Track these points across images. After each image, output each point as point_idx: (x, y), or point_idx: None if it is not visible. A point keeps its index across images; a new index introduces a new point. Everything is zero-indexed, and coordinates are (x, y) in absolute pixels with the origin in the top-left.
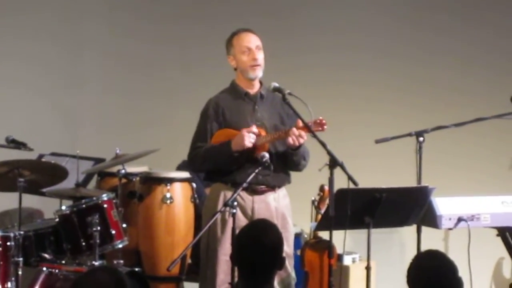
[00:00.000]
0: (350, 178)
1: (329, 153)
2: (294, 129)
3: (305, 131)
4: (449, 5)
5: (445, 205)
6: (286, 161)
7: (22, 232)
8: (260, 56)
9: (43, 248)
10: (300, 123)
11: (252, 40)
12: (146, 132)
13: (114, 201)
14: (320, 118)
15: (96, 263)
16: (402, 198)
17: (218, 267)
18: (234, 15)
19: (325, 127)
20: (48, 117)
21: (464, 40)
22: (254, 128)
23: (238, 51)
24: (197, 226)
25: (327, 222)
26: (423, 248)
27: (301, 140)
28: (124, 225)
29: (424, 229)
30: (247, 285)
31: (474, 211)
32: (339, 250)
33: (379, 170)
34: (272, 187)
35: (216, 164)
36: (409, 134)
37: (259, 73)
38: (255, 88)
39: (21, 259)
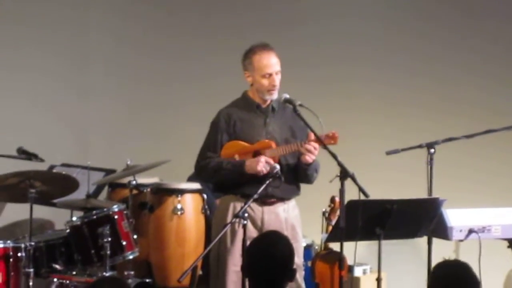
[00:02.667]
0: (361, 189)
1: (340, 164)
2: (307, 145)
3: (317, 143)
4: (459, 18)
5: (456, 217)
6: (298, 174)
7: (33, 243)
8: (278, 80)
9: (54, 259)
10: (312, 136)
11: (273, 65)
12: (157, 143)
13: (125, 212)
14: (333, 131)
15: (107, 274)
16: (413, 209)
17: (228, 278)
18: (243, 27)
19: (337, 140)
20: (59, 128)
21: (474, 52)
22: (272, 162)
23: (257, 74)
24: (208, 237)
25: (338, 233)
26: (434, 259)
27: (315, 153)
28: (135, 236)
29: (435, 240)
30: None
31: (485, 223)
32: (350, 261)
33: (390, 181)
34: (282, 199)
35: (227, 179)
36: (420, 146)
37: (275, 95)
38: (267, 101)
39: (32, 270)
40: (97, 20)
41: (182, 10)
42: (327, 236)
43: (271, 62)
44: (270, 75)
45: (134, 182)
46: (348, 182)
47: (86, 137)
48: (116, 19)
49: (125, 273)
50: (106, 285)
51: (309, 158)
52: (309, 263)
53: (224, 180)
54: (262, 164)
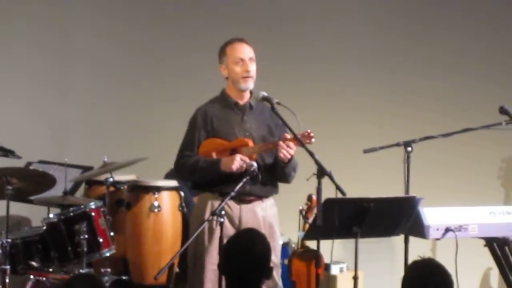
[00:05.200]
0: (338, 187)
1: (317, 162)
2: (281, 143)
3: (293, 142)
4: (437, 16)
5: (433, 215)
6: (276, 173)
7: (9, 240)
8: (253, 68)
9: (30, 256)
10: (287, 136)
11: (245, 51)
12: (134, 141)
13: (101, 209)
14: (308, 131)
15: (83, 271)
16: (390, 208)
17: (205, 276)
18: (225, 24)
19: (312, 140)
20: (37, 125)
21: (453, 50)
22: (248, 159)
23: (231, 61)
24: (185, 235)
25: (315, 231)
26: (411, 258)
27: (291, 152)
28: (112, 234)
29: (412, 239)
30: None
31: (462, 222)
32: (327, 259)
33: (367, 180)
34: (260, 197)
35: (203, 178)
36: (397, 144)
37: (250, 84)
38: (245, 99)
39: (8, 267)
40: (78, 17)
41: (164, 8)
42: (304, 234)
43: (243, 49)
44: (243, 60)
45: (111, 179)
46: (325, 180)
47: (63, 134)
48: (98, 17)
49: (102, 270)
50: (82, 282)
51: (284, 156)
52: (286, 261)
53: (201, 179)
54: (238, 163)
